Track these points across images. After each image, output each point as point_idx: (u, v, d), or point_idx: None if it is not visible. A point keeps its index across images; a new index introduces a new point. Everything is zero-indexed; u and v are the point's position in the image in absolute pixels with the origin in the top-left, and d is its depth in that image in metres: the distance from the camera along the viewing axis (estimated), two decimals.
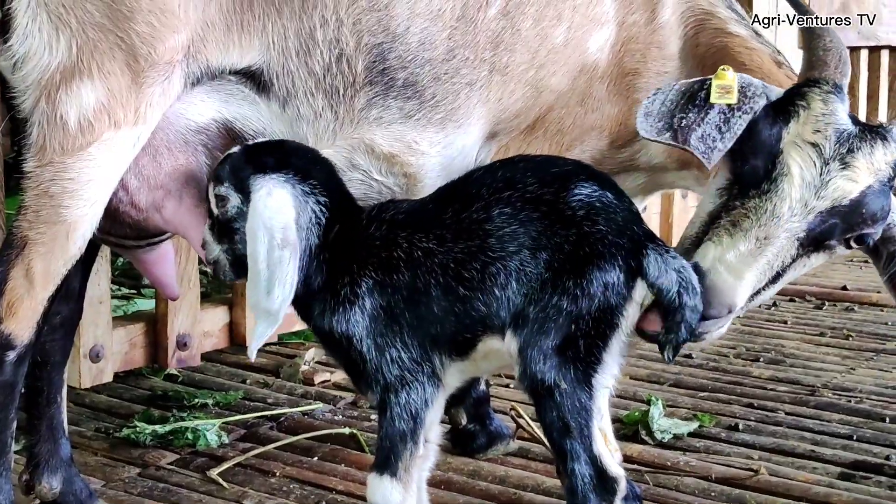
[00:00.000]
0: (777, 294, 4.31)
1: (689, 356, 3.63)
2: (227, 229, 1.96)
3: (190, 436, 2.82)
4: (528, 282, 1.82)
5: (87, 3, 1.93)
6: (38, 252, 2.00)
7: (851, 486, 2.61)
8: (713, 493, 2.57)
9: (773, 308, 4.31)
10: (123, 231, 2.19)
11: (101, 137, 1.96)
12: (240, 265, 1.97)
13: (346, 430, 2.90)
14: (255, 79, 2.09)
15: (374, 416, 3.05)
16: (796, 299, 4.44)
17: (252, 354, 1.96)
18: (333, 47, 2.07)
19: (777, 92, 2.02)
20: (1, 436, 2.08)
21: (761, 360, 3.61)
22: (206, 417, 2.94)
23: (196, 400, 3.10)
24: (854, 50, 5.97)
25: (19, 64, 1.96)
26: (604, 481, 1.83)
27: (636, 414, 2.95)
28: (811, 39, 2.06)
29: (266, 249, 1.85)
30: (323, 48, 2.07)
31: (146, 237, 2.25)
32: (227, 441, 2.81)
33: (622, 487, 1.85)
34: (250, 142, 2.03)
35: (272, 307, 1.87)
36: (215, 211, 1.98)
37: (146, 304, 3.51)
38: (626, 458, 2.73)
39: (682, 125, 1.96)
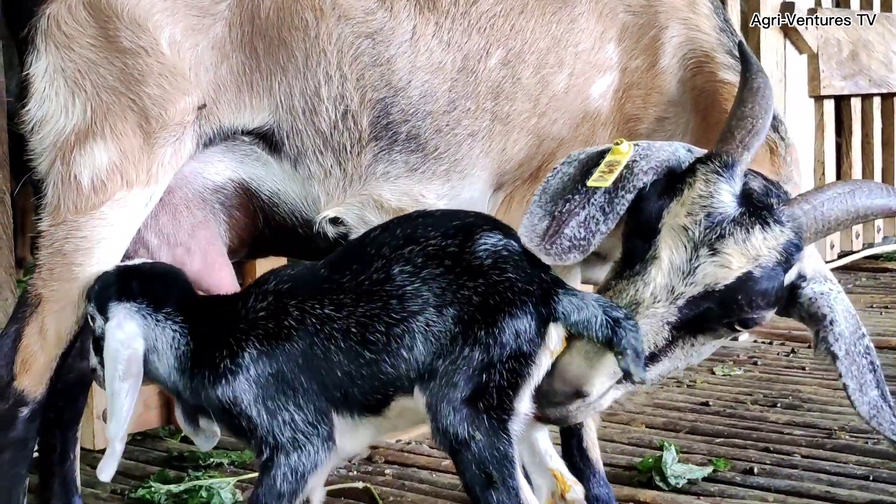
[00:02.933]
0: (795, 341, 4.48)
1: (705, 403, 3.67)
2: (98, 346, 2.01)
3: (205, 494, 2.87)
4: (436, 340, 1.81)
5: (100, 67, 2.03)
6: (51, 310, 2.09)
7: None
8: None
9: (791, 355, 4.35)
10: None
11: (113, 197, 2.05)
12: None
13: (360, 485, 2.95)
14: (266, 139, 2.17)
15: (388, 471, 3.12)
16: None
17: (101, 476, 1.99)
18: (339, 104, 2.14)
19: (684, 158, 1.98)
20: (13, 491, 2.14)
21: (778, 405, 3.64)
22: (222, 476, 3.00)
23: (211, 460, 3.16)
24: (867, 97, 6.04)
25: (37, 127, 2.07)
26: None
27: (650, 460, 2.99)
28: (736, 105, 2.03)
29: (108, 377, 1.93)
30: (328, 105, 2.14)
31: None
32: (241, 499, 2.86)
33: None
34: (127, 265, 2.06)
35: (110, 435, 1.95)
36: (92, 326, 2.03)
37: None
38: None
39: (565, 209, 1.93)
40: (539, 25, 2.25)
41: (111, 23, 2.03)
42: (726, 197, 1.90)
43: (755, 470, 3.01)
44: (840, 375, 1.95)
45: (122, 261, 2.10)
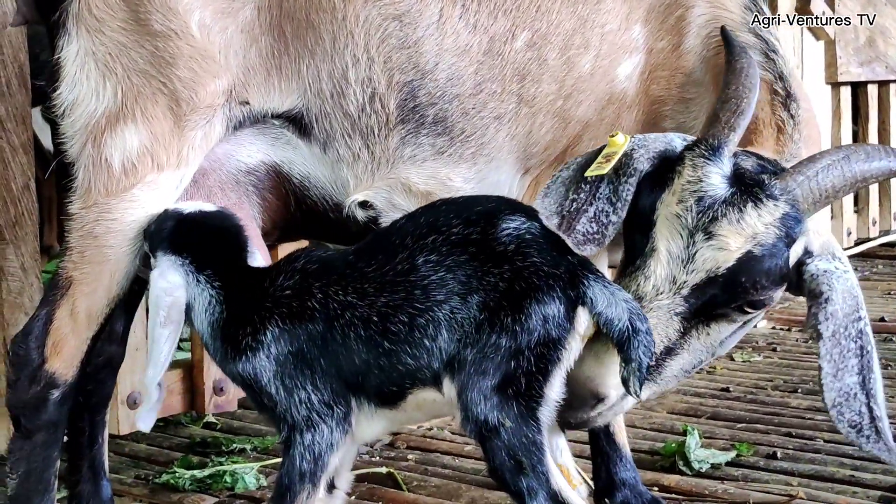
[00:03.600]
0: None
1: (726, 389, 3.68)
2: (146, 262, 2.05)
3: (228, 479, 2.90)
4: (460, 327, 1.80)
5: (131, 50, 2.04)
6: (82, 292, 2.10)
7: None
8: None
9: (810, 342, 4.34)
10: None
11: (144, 179, 2.06)
12: None
13: (384, 470, 2.96)
14: (296, 122, 2.18)
15: (411, 456, 3.13)
16: None
17: (139, 425, 2.03)
18: (366, 86, 2.15)
19: (679, 146, 1.98)
20: (44, 474, 2.16)
21: (799, 391, 3.64)
22: (245, 462, 3.02)
23: (234, 445, 3.18)
24: (883, 84, 6.02)
25: (68, 110, 2.07)
26: None
27: (673, 445, 3.00)
28: (722, 87, 2.03)
29: (151, 322, 1.94)
30: (356, 88, 2.14)
31: None
32: (265, 484, 2.88)
33: None
34: (190, 210, 2.04)
35: (147, 380, 1.96)
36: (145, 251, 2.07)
37: (182, 356, 3.61)
38: (664, 489, 2.80)
39: (573, 208, 1.94)
40: (565, 6, 2.24)
41: (142, 6, 2.04)
42: (716, 179, 1.90)
43: (778, 454, 3.02)
44: (819, 355, 1.92)
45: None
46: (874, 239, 6.00)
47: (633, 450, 2.97)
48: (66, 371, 2.12)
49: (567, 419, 1.89)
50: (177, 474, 2.93)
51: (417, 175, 2.22)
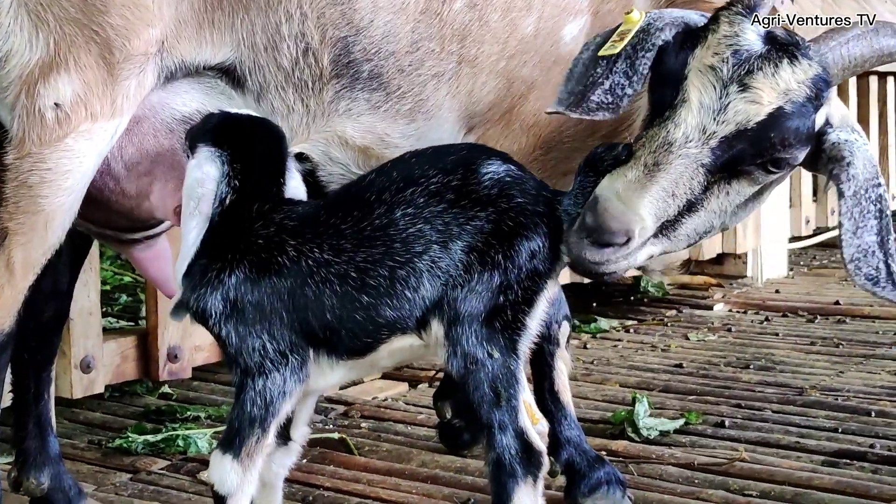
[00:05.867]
0: (769, 310, 4.46)
1: (679, 365, 3.66)
2: None
3: (181, 443, 2.87)
4: (445, 273, 1.81)
5: (63, 0, 1.99)
6: (18, 242, 2.03)
7: (835, 471, 2.63)
8: (696, 481, 2.60)
9: (765, 322, 4.33)
10: (118, 221, 2.24)
11: (78, 129, 2.00)
12: None
13: (336, 435, 2.93)
14: (229, 74, 2.13)
15: (364, 425, 3.10)
16: (789, 314, 4.46)
17: (171, 317, 1.96)
18: (299, 41, 2.10)
19: (697, 20, 1.97)
20: None
21: (751, 367, 3.63)
22: (199, 428, 2.97)
23: (188, 413, 3.14)
24: (883, 76, 6.03)
25: (2, 62, 2.01)
26: (529, 455, 1.81)
27: (622, 413, 2.98)
28: None
29: (183, 215, 1.93)
30: (289, 42, 2.10)
31: (141, 228, 2.30)
32: None
33: (546, 463, 1.84)
34: (236, 113, 2.03)
35: (175, 272, 1.95)
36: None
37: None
38: (611, 453, 2.78)
39: (589, 82, 1.93)
40: None
41: None
42: (751, 36, 1.87)
43: (726, 423, 3.01)
44: (840, 213, 1.91)
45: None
46: (833, 228, 5.96)
47: (583, 419, 2.97)
48: (3, 321, 2.06)
49: (589, 264, 1.84)
50: (129, 439, 2.89)
51: (354, 129, 2.17)
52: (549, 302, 1.88)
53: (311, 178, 2.17)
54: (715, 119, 1.85)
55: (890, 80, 6.46)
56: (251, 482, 1.89)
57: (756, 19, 1.88)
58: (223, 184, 1.94)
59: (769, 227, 5.10)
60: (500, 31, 2.20)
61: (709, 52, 1.87)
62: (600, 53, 1.95)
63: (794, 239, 5.60)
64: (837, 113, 1.94)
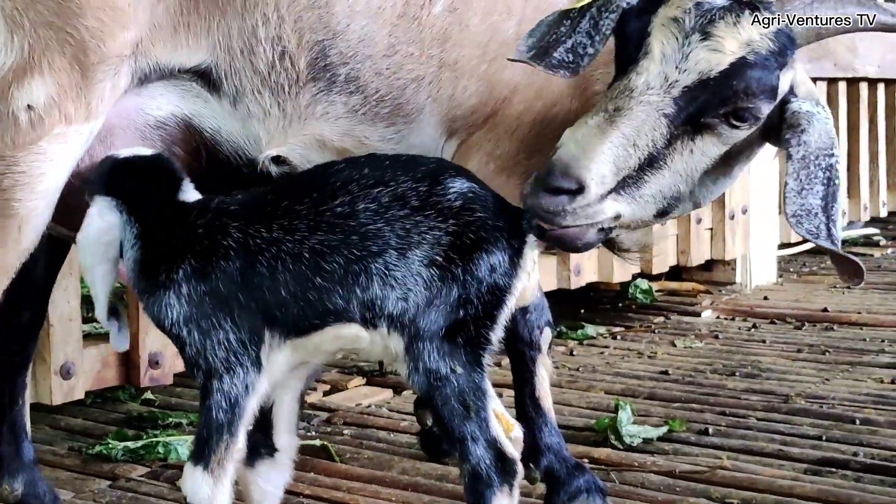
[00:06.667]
0: (756, 317, 4.45)
1: (665, 372, 3.64)
2: None
3: (161, 450, 2.85)
4: (398, 283, 1.80)
5: (38, 3, 1.96)
6: None
7: (817, 479, 2.62)
8: (678, 489, 2.59)
9: (752, 329, 4.31)
10: None
11: (52, 132, 1.97)
12: None
13: (318, 443, 2.91)
14: (205, 77, 2.11)
15: (346, 431, 3.09)
16: (777, 321, 4.44)
17: (116, 347, 2.03)
18: (276, 45, 2.09)
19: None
20: None
21: (737, 374, 3.61)
22: (180, 435, 2.95)
23: (170, 419, 3.13)
24: (832, 81, 6.01)
25: None
26: (504, 463, 1.80)
27: (606, 420, 2.96)
28: None
29: (89, 264, 1.93)
30: (266, 46, 2.09)
31: None
32: None
33: (520, 470, 1.82)
34: (129, 156, 2.02)
35: (98, 316, 1.96)
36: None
37: None
38: (593, 461, 2.76)
39: (552, 40, 1.94)
40: None
41: None
42: None
43: (710, 431, 2.99)
44: (787, 174, 1.91)
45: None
46: None
47: (568, 426, 2.97)
48: None
49: (545, 214, 1.82)
50: (110, 445, 2.87)
51: (332, 132, 2.16)
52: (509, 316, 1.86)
53: None
54: (677, 67, 1.85)
55: (880, 86, 6.47)
56: (224, 491, 1.87)
57: None
58: (130, 228, 1.94)
59: (758, 234, 5.09)
60: (481, 34, 2.19)
61: (672, 6, 1.88)
62: (566, 7, 1.96)
63: (783, 245, 5.59)
64: (804, 86, 1.96)
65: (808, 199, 1.89)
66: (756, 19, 1.86)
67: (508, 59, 2.03)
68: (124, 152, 2.02)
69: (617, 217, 1.89)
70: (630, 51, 1.91)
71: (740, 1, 1.88)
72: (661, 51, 1.86)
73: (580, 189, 1.81)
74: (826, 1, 1.93)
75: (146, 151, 2.03)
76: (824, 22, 1.92)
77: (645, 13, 1.92)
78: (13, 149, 1.98)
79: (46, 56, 1.97)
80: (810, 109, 1.93)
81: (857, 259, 1.91)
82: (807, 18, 1.91)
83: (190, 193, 2.00)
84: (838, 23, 1.94)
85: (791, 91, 1.94)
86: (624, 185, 1.86)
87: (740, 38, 1.85)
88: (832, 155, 1.92)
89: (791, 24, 1.89)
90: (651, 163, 1.87)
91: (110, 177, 1.96)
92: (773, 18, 1.87)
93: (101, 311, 1.93)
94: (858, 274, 1.92)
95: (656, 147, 1.86)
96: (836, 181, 1.92)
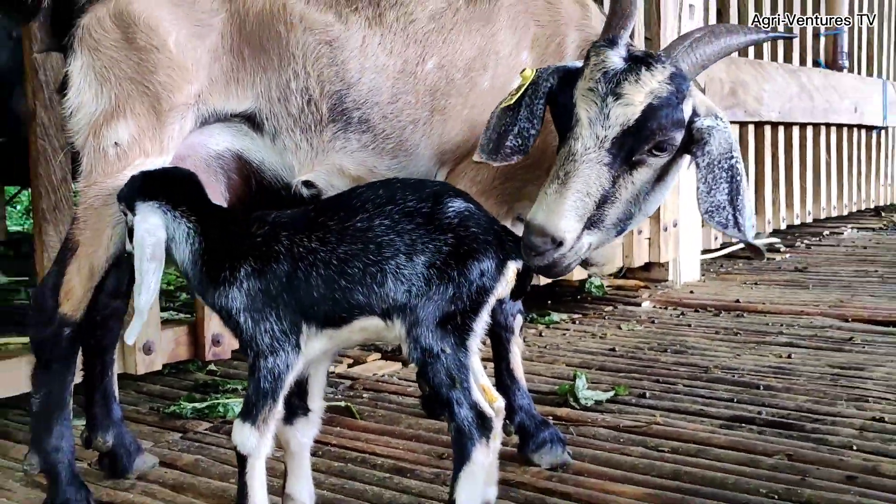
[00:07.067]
0: (684, 307, 4.43)
1: (612, 349, 3.61)
2: (131, 235, 1.90)
3: (221, 409, 2.83)
4: (406, 280, 1.77)
5: (122, 63, 1.96)
6: (86, 252, 2.01)
7: (729, 432, 2.60)
8: (621, 440, 2.57)
9: (680, 316, 4.28)
10: None
11: (133, 163, 1.98)
12: None
13: (343, 404, 2.89)
14: (251, 120, 2.10)
15: (365, 395, 3.06)
16: (699, 310, 4.42)
17: (128, 339, 1.88)
18: (304, 94, 2.08)
19: (575, 64, 1.96)
20: (62, 393, 2.08)
21: (668, 351, 3.58)
22: (237, 398, 2.94)
23: (229, 386, 3.11)
24: (743, 125, 5.98)
25: (74, 111, 2.00)
26: (483, 421, 1.78)
27: (566, 387, 2.94)
28: (611, 6, 2.00)
29: (137, 259, 1.83)
30: (297, 95, 2.07)
31: None
32: None
33: (497, 426, 1.80)
34: (152, 170, 1.93)
35: (139, 305, 1.83)
36: (126, 221, 1.92)
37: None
38: (556, 418, 2.74)
39: (502, 131, 1.92)
40: (466, 38, 2.17)
41: (131, 28, 1.97)
42: (615, 59, 1.85)
43: (647, 395, 2.97)
44: (697, 179, 1.87)
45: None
46: (736, 243, 5.95)
47: (536, 391, 2.94)
48: (75, 313, 2.04)
49: (536, 264, 1.80)
50: (181, 406, 2.86)
51: (349, 162, 2.14)
52: (491, 308, 1.83)
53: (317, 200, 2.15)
54: (603, 126, 1.82)
55: (780, 129, 6.44)
56: (267, 443, 1.84)
57: (615, 45, 1.87)
58: (184, 223, 1.86)
59: (685, 242, 5.06)
60: (463, 86, 2.18)
61: (586, 79, 1.86)
62: (503, 105, 1.93)
63: (705, 251, 5.56)
64: (703, 105, 1.92)
65: (717, 197, 1.85)
66: (651, 71, 1.83)
67: (474, 161, 2.01)
68: (149, 167, 1.94)
69: (590, 246, 1.88)
70: (564, 120, 1.88)
71: (636, 60, 1.85)
72: (588, 117, 1.83)
73: (560, 243, 1.80)
74: (700, 42, 1.91)
75: (160, 166, 1.96)
76: (705, 56, 1.90)
77: (567, 86, 1.89)
78: (104, 176, 1.99)
79: (129, 104, 1.98)
80: (710, 124, 1.88)
81: (757, 244, 1.89)
82: (690, 57, 1.89)
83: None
84: (719, 54, 1.92)
85: (694, 113, 1.89)
86: (590, 223, 1.84)
87: (644, 90, 1.82)
88: (732, 157, 1.87)
89: (680, 65, 1.87)
90: (605, 201, 1.84)
91: (147, 185, 1.88)
92: (664, 65, 1.84)
93: (146, 302, 1.83)
94: (759, 255, 1.91)
95: (605, 189, 1.83)
96: (738, 177, 1.87)
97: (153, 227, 1.83)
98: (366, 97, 2.10)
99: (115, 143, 1.97)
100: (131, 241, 1.88)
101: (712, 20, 5.28)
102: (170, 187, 1.87)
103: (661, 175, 1.93)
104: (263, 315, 1.81)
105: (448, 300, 1.76)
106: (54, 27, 2.04)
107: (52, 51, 2.11)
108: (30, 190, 3.32)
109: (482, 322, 1.81)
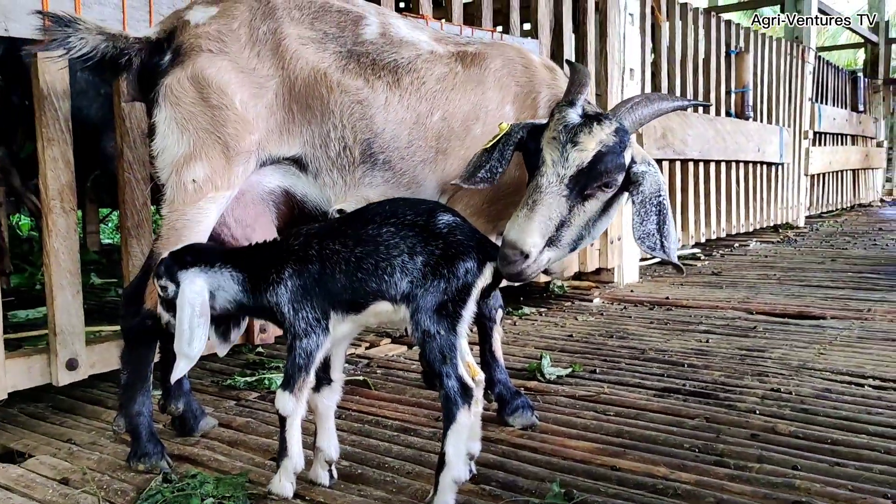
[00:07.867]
0: (627, 302, 4.49)
1: (570, 336, 3.66)
2: (170, 304, 1.87)
3: (267, 382, 2.87)
4: (409, 274, 1.77)
5: (198, 116, 1.99)
6: None
7: (661, 400, 2.65)
8: (577, 406, 2.61)
9: (623, 309, 4.34)
10: None
11: (207, 196, 2.01)
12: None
13: (361, 378, 2.94)
14: (298, 162, 2.13)
15: (379, 371, 3.09)
16: (638, 305, 4.48)
17: (173, 379, 1.86)
18: (340, 141, 2.11)
19: (540, 121, 2.00)
20: (145, 370, 2.11)
21: (614, 336, 3.64)
22: (278, 373, 2.98)
23: (273, 364, 3.14)
24: (672, 162, 6.04)
25: (160, 153, 2.03)
26: (465, 390, 1.77)
27: (534, 364, 3.00)
28: (571, 75, 2.05)
29: (188, 317, 1.79)
30: (335, 142, 2.11)
31: None
32: None
33: (478, 394, 1.81)
34: (175, 250, 1.90)
35: (191, 354, 1.79)
36: (161, 294, 1.88)
37: None
38: (527, 389, 2.78)
39: (478, 165, 1.97)
40: (463, 97, 2.24)
41: (205, 89, 2.01)
42: (574, 116, 1.90)
43: (597, 371, 3.02)
44: (632, 213, 1.92)
45: (207, 239, 2.04)
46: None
47: (511, 368, 2.99)
48: (155, 309, 2.07)
49: (509, 272, 1.83)
50: (236, 380, 2.89)
51: (373, 194, 2.18)
52: (478, 300, 1.83)
53: None
54: (563, 167, 1.86)
55: (700, 164, 6.50)
56: (301, 407, 1.87)
57: (573, 105, 1.92)
58: (224, 270, 1.83)
59: (627, 252, 5.13)
60: (461, 132, 2.23)
61: (551, 130, 1.91)
62: (483, 147, 1.99)
63: (642, 259, 5.63)
64: (639, 154, 1.96)
65: (647, 226, 1.89)
66: (601, 125, 1.89)
67: (452, 184, 2.04)
68: (170, 252, 1.91)
69: (549, 260, 1.91)
70: (533, 161, 1.93)
71: (589, 117, 1.90)
72: (551, 159, 1.87)
73: (527, 256, 1.83)
74: (639, 105, 1.96)
75: (178, 247, 1.94)
76: (642, 116, 1.96)
77: (536, 135, 1.94)
78: (183, 205, 2.02)
79: (204, 150, 2.01)
80: (644, 169, 1.92)
81: (678, 263, 1.94)
82: (631, 116, 1.95)
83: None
84: (653, 115, 1.98)
85: (632, 160, 1.93)
86: (550, 242, 1.86)
87: (595, 139, 1.86)
88: (660, 195, 1.92)
89: (623, 122, 1.92)
90: (562, 225, 1.87)
91: (181, 259, 1.85)
92: (611, 122, 1.89)
93: (197, 352, 1.80)
94: (680, 272, 1.95)
95: (563, 216, 1.87)
96: (665, 211, 1.91)
97: (200, 288, 1.83)
98: (388, 143, 2.14)
99: (193, 179, 2.00)
100: (168, 311, 1.87)
101: (648, 82, 5.36)
102: (197, 255, 1.88)
103: (606, 207, 1.97)
104: (302, 305, 1.83)
105: (441, 292, 1.77)
106: (140, 83, 2.08)
107: (136, 101, 2.15)
108: (118, 211, 3.34)
109: (469, 310, 1.81)
